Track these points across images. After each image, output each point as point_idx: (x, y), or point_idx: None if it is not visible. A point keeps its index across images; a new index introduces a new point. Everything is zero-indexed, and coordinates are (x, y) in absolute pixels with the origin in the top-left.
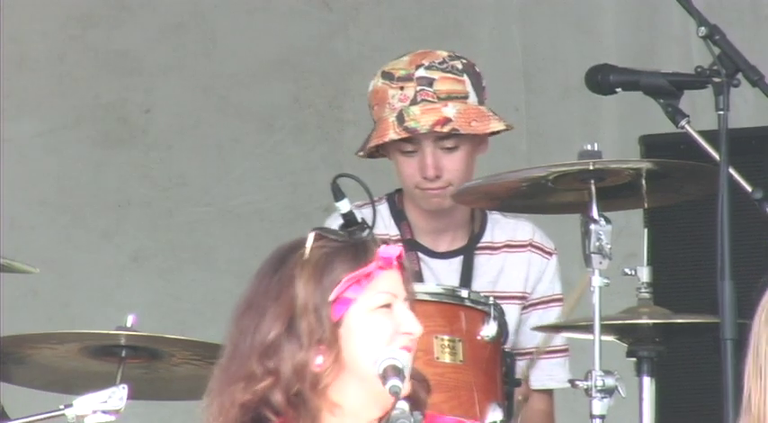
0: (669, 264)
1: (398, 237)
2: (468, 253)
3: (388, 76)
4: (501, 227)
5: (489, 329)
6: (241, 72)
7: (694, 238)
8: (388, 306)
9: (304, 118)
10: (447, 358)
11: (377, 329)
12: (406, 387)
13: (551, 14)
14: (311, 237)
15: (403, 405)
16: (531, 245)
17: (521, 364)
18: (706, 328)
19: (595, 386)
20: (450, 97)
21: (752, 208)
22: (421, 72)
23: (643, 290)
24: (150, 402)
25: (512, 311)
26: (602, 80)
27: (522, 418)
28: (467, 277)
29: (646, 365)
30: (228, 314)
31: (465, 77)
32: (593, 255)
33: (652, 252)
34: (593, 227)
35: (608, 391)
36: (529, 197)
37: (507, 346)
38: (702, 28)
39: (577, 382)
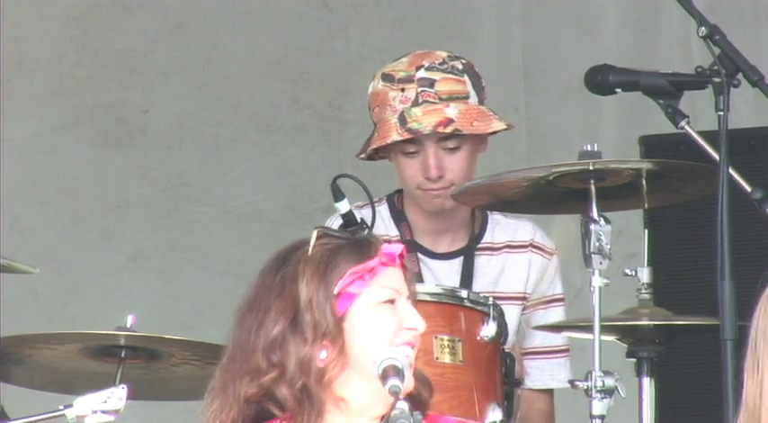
0: (669, 264)
1: (398, 237)
2: (468, 253)
3: (388, 77)
4: (501, 227)
5: (489, 330)
6: (240, 72)
7: (694, 239)
8: (391, 302)
9: (303, 118)
10: (447, 358)
11: (380, 324)
12: (409, 384)
13: (552, 15)
14: (314, 234)
15: (403, 405)
16: (531, 245)
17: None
18: (706, 329)
19: (595, 386)
20: (451, 98)
21: (751, 208)
22: (422, 73)
23: (643, 291)
24: (150, 402)
25: (512, 312)
26: (601, 81)
27: (522, 417)
28: (467, 278)
29: (645, 366)
30: (228, 314)
31: (465, 78)
32: (593, 255)
33: (652, 252)
34: (593, 227)
35: (608, 392)
36: (529, 197)
37: (507, 347)
38: (703, 28)
39: (577, 383)
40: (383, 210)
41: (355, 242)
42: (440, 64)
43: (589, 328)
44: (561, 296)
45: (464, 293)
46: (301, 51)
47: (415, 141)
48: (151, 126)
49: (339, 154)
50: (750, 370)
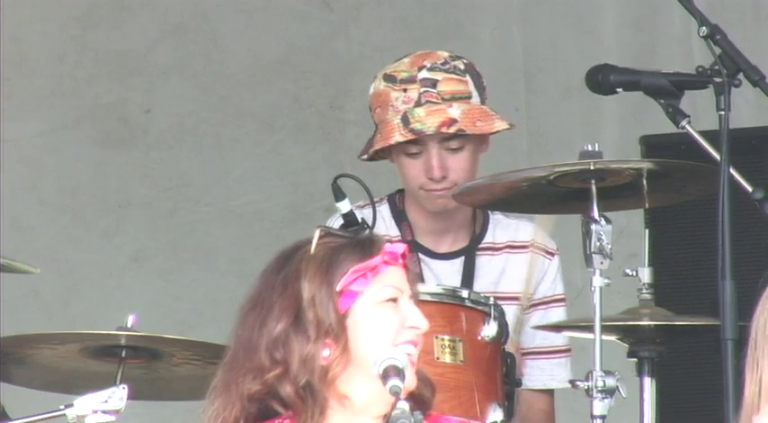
0: (670, 264)
1: (399, 237)
2: (469, 254)
3: (390, 78)
4: (503, 227)
5: (490, 330)
6: (241, 72)
7: (695, 239)
8: (394, 300)
9: (305, 118)
10: (447, 358)
11: (383, 322)
12: (412, 382)
13: (552, 15)
14: (317, 233)
15: (403, 405)
16: (533, 245)
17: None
18: (707, 329)
19: (596, 386)
20: (454, 98)
21: (752, 208)
22: (424, 73)
23: (644, 291)
24: (150, 402)
25: (513, 312)
26: (602, 80)
27: (522, 418)
28: (468, 278)
29: (646, 366)
30: (229, 314)
31: (467, 78)
32: (593, 255)
33: (653, 252)
34: (593, 227)
35: (609, 392)
36: (530, 197)
37: (508, 347)
38: (703, 28)
39: (578, 383)
40: (384, 210)
41: (358, 241)
42: (442, 64)
43: (590, 328)
44: (562, 296)
45: (465, 293)
46: (303, 51)
47: (417, 142)
48: (152, 126)
49: (340, 153)
50: (750, 369)
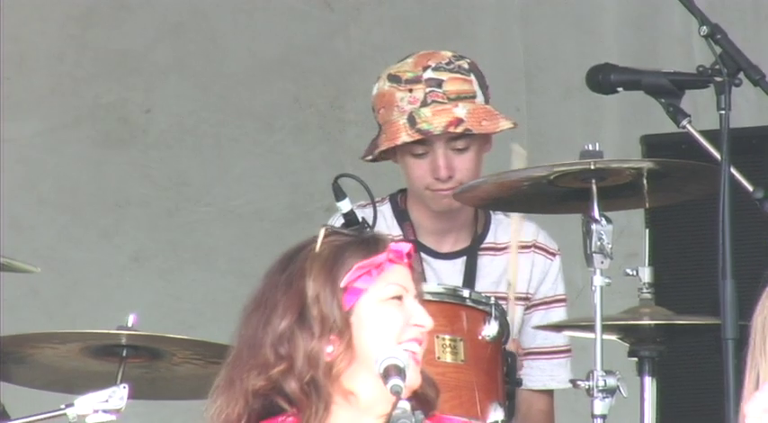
0: (670, 264)
1: (401, 237)
2: (471, 254)
3: (394, 78)
4: (504, 228)
5: (490, 329)
6: (241, 71)
7: (695, 238)
8: (398, 298)
9: (305, 118)
10: (448, 358)
11: (388, 320)
12: (416, 380)
13: (552, 14)
14: (322, 232)
15: (404, 405)
16: (534, 246)
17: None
18: (707, 329)
19: (597, 386)
20: (459, 97)
21: (753, 208)
22: (429, 73)
23: (644, 290)
24: (151, 402)
25: (516, 312)
26: (603, 80)
27: (521, 418)
28: (470, 278)
29: (647, 365)
30: (229, 314)
31: (472, 77)
32: (594, 254)
33: (653, 252)
34: (594, 227)
35: (609, 391)
36: (530, 197)
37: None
38: (704, 27)
39: (579, 382)
40: (386, 209)
41: (363, 239)
42: (446, 64)
43: (591, 328)
44: (563, 297)
45: (466, 293)
46: (302, 50)
47: (423, 142)
48: (152, 125)
49: (340, 153)
50: (748, 368)
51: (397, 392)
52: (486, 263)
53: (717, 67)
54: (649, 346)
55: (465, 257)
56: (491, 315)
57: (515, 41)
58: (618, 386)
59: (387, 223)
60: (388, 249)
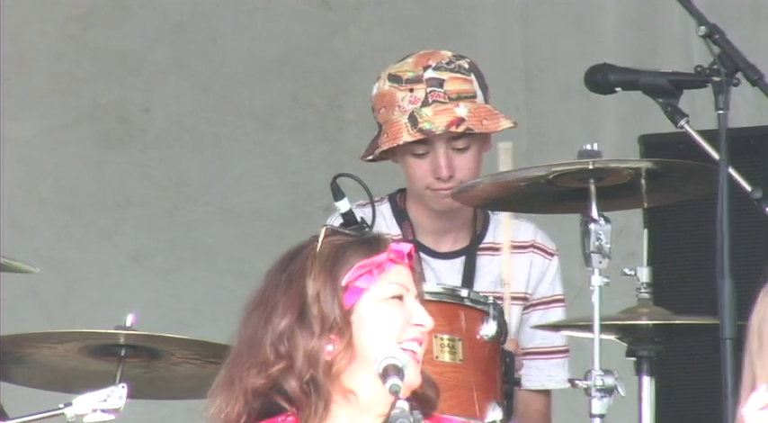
0: (669, 263)
1: (400, 237)
2: (470, 253)
3: (395, 78)
4: (503, 228)
5: (489, 329)
6: (241, 71)
7: (694, 238)
8: (399, 298)
9: (304, 117)
10: (446, 357)
11: (388, 319)
12: (417, 380)
13: (552, 14)
14: (323, 231)
15: (403, 404)
16: (533, 246)
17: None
18: (705, 328)
19: (595, 385)
20: (460, 97)
21: (751, 207)
22: (429, 73)
23: (643, 290)
24: (150, 401)
25: (513, 312)
26: (601, 80)
27: (519, 418)
28: (469, 278)
29: (645, 365)
30: (229, 313)
31: (472, 77)
32: (592, 254)
33: (652, 252)
34: (592, 226)
35: (607, 391)
36: (529, 196)
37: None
38: (702, 27)
39: (577, 382)
40: (385, 209)
41: (364, 239)
42: (447, 64)
43: (589, 328)
44: (561, 297)
45: (464, 293)
46: (302, 50)
47: (424, 142)
48: (151, 125)
49: (339, 153)
50: (745, 367)
51: (395, 392)
52: (484, 263)
53: (715, 66)
54: (647, 346)
55: (464, 257)
56: (489, 315)
57: (515, 41)
58: (616, 386)
59: (386, 223)
60: (390, 249)
